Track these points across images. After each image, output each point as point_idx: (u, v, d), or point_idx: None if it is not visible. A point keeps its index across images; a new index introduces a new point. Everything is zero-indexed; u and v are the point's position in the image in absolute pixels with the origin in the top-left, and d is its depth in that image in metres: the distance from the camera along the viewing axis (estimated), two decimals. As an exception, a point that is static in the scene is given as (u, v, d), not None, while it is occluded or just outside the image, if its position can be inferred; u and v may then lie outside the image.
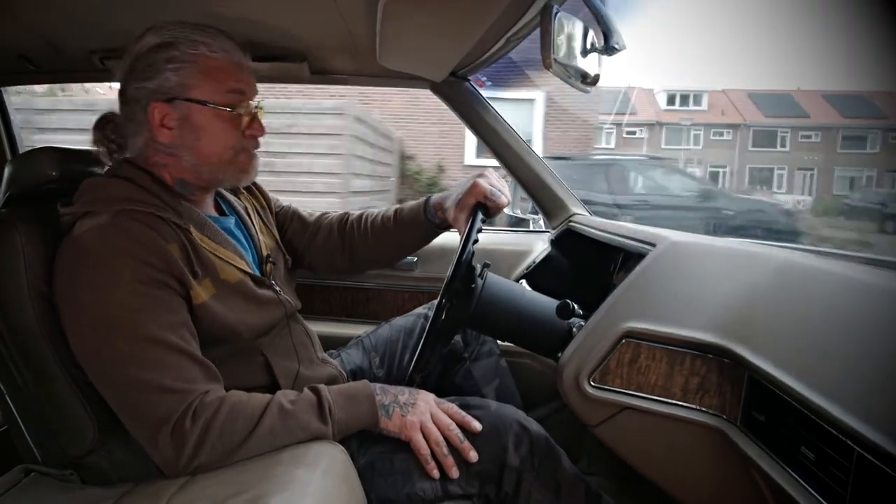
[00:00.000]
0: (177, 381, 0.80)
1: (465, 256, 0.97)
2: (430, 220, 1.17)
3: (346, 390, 0.93)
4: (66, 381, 0.87)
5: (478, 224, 1.03)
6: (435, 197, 1.18)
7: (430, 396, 0.96)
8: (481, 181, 1.08)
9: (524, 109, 10.96)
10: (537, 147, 10.62)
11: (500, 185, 1.10)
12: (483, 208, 1.08)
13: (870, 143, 25.92)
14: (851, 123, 25.88)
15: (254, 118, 0.97)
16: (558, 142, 11.17)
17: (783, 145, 27.07)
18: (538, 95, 11.16)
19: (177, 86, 0.90)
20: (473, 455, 0.91)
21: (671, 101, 27.32)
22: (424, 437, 0.91)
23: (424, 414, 0.92)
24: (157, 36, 0.91)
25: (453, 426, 0.92)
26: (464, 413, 0.94)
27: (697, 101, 27.14)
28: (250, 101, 0.96)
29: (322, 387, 0.91)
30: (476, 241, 1.00)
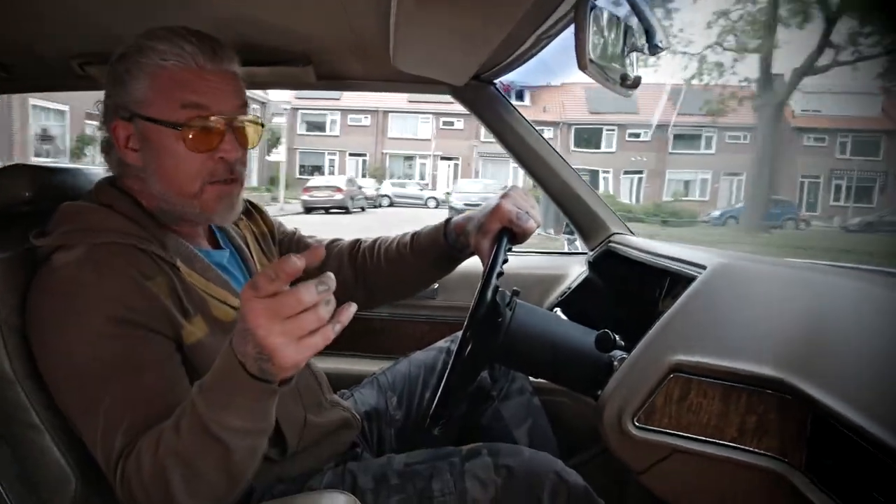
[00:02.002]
0: (121, 433, 0.74)
1: (490, 286, 0.95)
2: (451, 244, 1.14)
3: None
4: (43, 429, 0.84)
5: (503, 253, 1.01)
6: (456, 218, 1.15)
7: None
8: (506, 203, 1.05)
9: None
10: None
11: (527, 205, 1.07)
12: (509, 233, 1.05)
13: (704, 144, 25.65)
14: (684, 121, 24.53)
15: (222, 137, 0.88)
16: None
17: (609, 145, 26.29)
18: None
19: (133, 102, 0.86)
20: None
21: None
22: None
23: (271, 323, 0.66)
24: (124, 46, 0.88)
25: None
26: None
27: (520, 96, 26.75)
28: (216, 117, 0.87)
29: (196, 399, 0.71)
30: (501, 273, 0.99)
